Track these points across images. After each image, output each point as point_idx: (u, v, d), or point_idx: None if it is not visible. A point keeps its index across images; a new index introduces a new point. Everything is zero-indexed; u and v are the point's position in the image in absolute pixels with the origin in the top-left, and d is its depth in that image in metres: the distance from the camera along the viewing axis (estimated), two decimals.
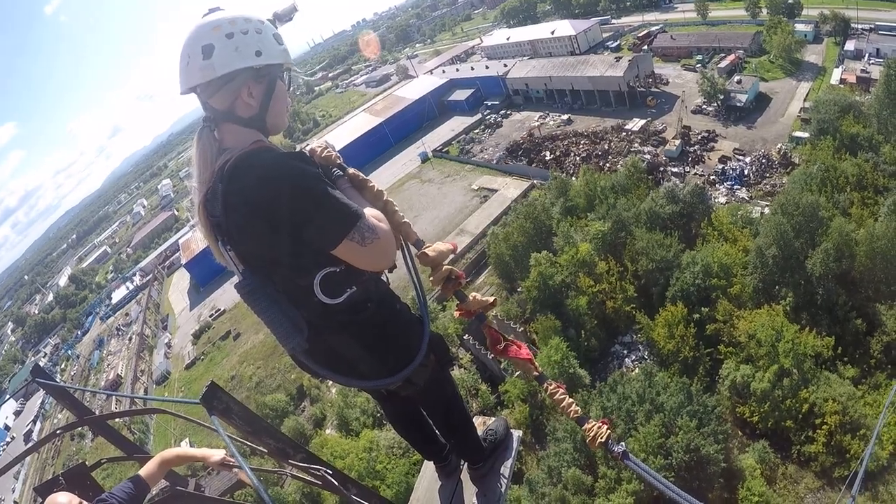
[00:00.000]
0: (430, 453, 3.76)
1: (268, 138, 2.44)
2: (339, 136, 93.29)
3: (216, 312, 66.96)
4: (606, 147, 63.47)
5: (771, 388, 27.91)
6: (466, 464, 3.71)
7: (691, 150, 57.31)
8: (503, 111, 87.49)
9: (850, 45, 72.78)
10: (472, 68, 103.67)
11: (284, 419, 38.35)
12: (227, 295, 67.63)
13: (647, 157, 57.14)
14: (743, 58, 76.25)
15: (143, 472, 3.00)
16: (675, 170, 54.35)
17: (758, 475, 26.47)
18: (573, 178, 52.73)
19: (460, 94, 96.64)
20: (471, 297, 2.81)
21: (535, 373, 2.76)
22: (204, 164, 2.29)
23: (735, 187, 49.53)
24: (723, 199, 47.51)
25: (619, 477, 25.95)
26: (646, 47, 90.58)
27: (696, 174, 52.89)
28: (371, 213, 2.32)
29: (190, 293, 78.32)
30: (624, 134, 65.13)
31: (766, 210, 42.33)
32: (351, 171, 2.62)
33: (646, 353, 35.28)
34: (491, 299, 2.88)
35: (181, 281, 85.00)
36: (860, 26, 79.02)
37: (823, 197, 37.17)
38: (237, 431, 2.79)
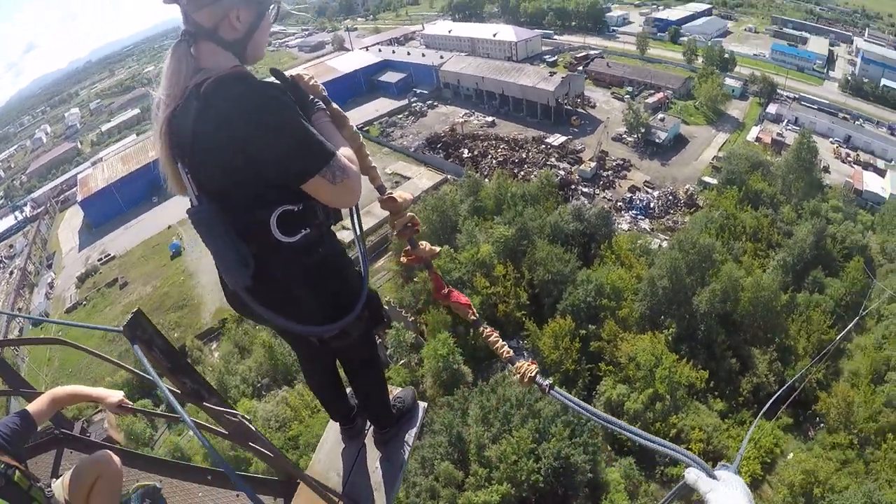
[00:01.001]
0: (339, 413, 3.74)
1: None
2: None
3: (105, 257, 63.25)
4: (524, 156, 64.63)
5: (643, 409, 29.77)
6: (372, 428, 3.75)
7: (605, 174, 59.32)
8: (431, 101, 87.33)
9: (772, 108, 78.37)
10: (409, 53, 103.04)
11: (161, 378, 36.22)
12: (120, 240, 64.81)
13: (562, 173, 58.71)
14: (671, 98, 79.81)
15: (32, 407, 2.86)
16: (585, 190, 56.00)
17: (621, 489, 27.68)
18: (486, 180, 53.18)
19: (391, 77, 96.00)
20: (421, 245, 2.86)
21: (473, 317, 2.82)
22: (176, 79, 2.16)
23: (639, 217, 51.57)
24: (625, 227, 49.29)
25: (490, 476, 26.34)
26: (581, 68, 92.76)
27: (604, 198, 54.73)
28: (344, 153, 2.31)
29: (81, 233, 73.04)
30: (543, 147, 66.56)
31: (665, 244, 44.57)
32: (333, 106, 2.56)
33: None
34: (437, 249, 2.94)
35: (74, 218, 78.75)
36: (785, 94, 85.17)
37: (720, 241, 40.39)
38: (152, 367, 2.42)
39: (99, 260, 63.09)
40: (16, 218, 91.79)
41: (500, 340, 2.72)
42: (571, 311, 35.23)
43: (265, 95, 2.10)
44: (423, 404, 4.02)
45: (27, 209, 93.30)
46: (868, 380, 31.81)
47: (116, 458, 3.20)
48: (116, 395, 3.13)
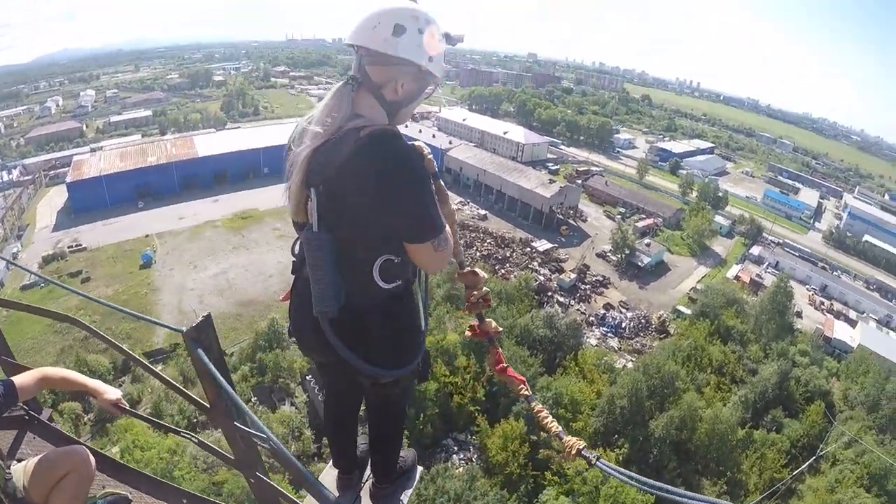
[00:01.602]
0: (345, 459, 3.75)
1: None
2: (261, 135, 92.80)
3: (76, 246, 61.64)
4: (508, 254, 65.73)
5: None
6: (372, 481, 3.71)
7: (583, 287, 60.15)
8: None
9: (755, 250, 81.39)
10: (420, 131, 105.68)
11: (188, 387, 35.57)
12: (95, 233, 63.62)
13: (542, 278, 59.53)
14: (660, 225, 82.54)
15: (19, 380, 2.75)
16: (561, 300, 56.57)
17: None
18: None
19: None
20: (488, 321, 3.15)
21: (526, 392, 2.99)
22: (335, 116, 2.40)
23: (609, 335, 52.03)
24: (594, 342, 49.54)
25: None
26: (580, 181, 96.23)
27: (578, 310, 55.27)
28: (446, 228, 2.53)
29: (60, 214, 71.80)
30: (529, 249, 67.83)
31: (630, 365, 44.79)
32: (440, 183, 2.81)
33: (475, 455, 35.44)
34: (500, 328, 3.23)
35: (57, 197, 77.17)
36: (770, 238, 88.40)
37: (685, 370, 40.80)
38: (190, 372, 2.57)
39: (69, 247, 61.40)
40: (1, 179, 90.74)
41: (550, 416, 2.86)
42: (525, 416, 34.94)
43: (415, 160, 2.37)
44: (420, 468, 4.01)
45: (16, 172, 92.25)
46: None
47: (92, 459, 3.10)
48: (115, 393, 3.06)
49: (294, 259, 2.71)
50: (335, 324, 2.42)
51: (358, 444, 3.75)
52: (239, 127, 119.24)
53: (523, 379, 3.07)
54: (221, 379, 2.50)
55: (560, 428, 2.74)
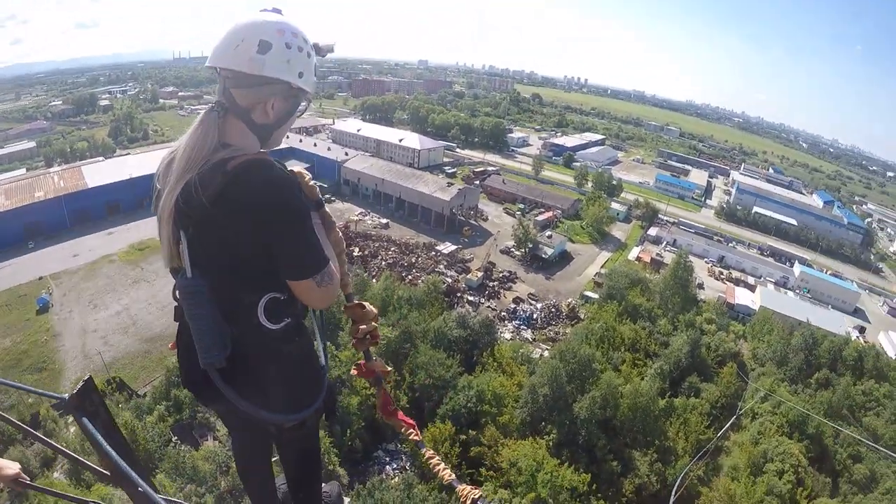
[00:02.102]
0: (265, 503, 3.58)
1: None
2: (153, 159, 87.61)
3: None
4: (414, 260, 65.04)
5: None
6: None
7: (491, 284, 60.28)
8: (329, 196, 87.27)
9: (652, 231, 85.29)
10: (315, 144, 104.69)
11: (9, 447, 32.57)
12: None
13: (449, 280, 59.13)
14: (559, 217, 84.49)
15: None
16: (471, 298, 56.44)
17: None
18: (374, 281, 53.01)
19: (294, 165, 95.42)
20: (375, 360, 2.92)
21: (416, 437, 2.88)
22: (201, 147, 2.14)
23: (522, 327, 52.22)
24: (508, 336, 49.57)
25: None
26: (478, 182, 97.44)
27: (489, 307, 55.23)
28: (331, 260, 2.37)
29: None
30: (433, 253, 67.54)
31: (546, 353, 45.08)
32: (324, 210, 2.65)
33: (408, 463, 34.98)
34: (389, 368, 3.00)
35: None
36: (666, 218, 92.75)
37: (600, 352, 41.91)
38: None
39: None
40: None
41: (442, 463, 2.79)
42: (452, 416, 34.80)
43: (290, 190, 2.16)
44: (347, 499, 4.01)
45: None
46: (747, 472, 33.25)
47: None
48: (13, 468, 2.65)
49: (175, 304, 2.40)
50: (225, 373, 2.22)
51: (278, 486, 3.55)
52: (129, 153, 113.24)
53: (413, 423, 2.95)
54: (109, 449, 2.12)
55: (453, 475, 2.72)
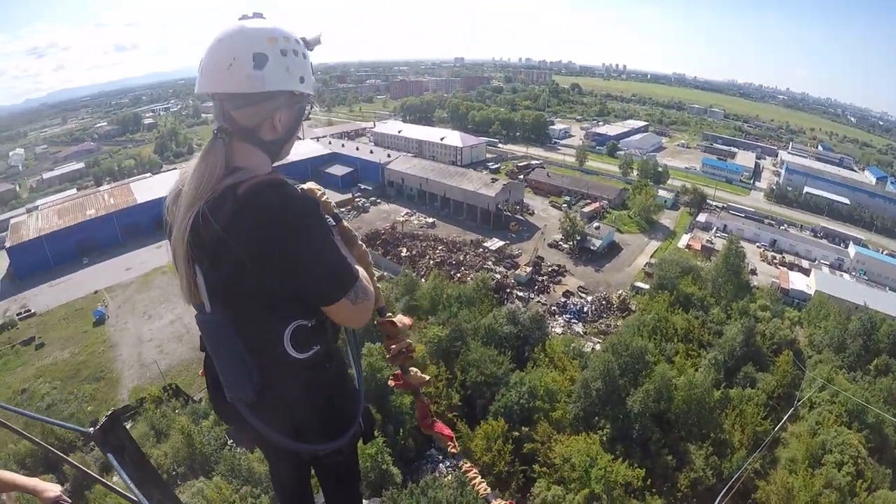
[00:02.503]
0: None
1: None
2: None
3: (25, 312, 58.92)
4: (462, 258, 65.69)
5: None
6: None
7: (540, 279, 60.52)
8: (374, 198, 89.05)
9: (701, 217, 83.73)
10: (357, 148, 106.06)
11: (70, 454, 33.96)
12: (43, 296, 61.34)
13: (498, 276, 59.60)
14: (606, 208, 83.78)
15: None
16: (520, 294, 56.75)
17: None
18: (423, 280, 53.66)
19: (339, 170, 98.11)
20: (412, 372, 2.94)
21: (454, 450, 2.89)
22: (210, 177, 2.05)
23: (573, 321, 52.31)
24: (559, 330, 49.74)
25: None
26: (522, 177, 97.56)
27: (539, 302, 55.45)
28: (361, 274, 2.30)
29: (3, 281, 68.42)
30: (481, 250, 67.99)
31: (598, 347, 45.11)
32: (344, 224, 2.60)
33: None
34: (427, 377, 3.00)
35: None
36: (714, 203, 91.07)
37: (652, 343, 41.38)
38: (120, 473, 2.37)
39: (18, 314, 58.76)
40: None
41: (479, 476, 2.84)
42: (504, 413, 34.82)
43: (307, 208, 2.07)
44: None
45: None
46: (805, 465, 32.36)
47: None
48: (54, 490, 2.74)
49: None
50: (254, 406, 2.23)
51: None
52: (175, 168, 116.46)
53: (451, 435, 2.95)
54: (131, 485, 2.30)
55: (488, 490, 2.75)
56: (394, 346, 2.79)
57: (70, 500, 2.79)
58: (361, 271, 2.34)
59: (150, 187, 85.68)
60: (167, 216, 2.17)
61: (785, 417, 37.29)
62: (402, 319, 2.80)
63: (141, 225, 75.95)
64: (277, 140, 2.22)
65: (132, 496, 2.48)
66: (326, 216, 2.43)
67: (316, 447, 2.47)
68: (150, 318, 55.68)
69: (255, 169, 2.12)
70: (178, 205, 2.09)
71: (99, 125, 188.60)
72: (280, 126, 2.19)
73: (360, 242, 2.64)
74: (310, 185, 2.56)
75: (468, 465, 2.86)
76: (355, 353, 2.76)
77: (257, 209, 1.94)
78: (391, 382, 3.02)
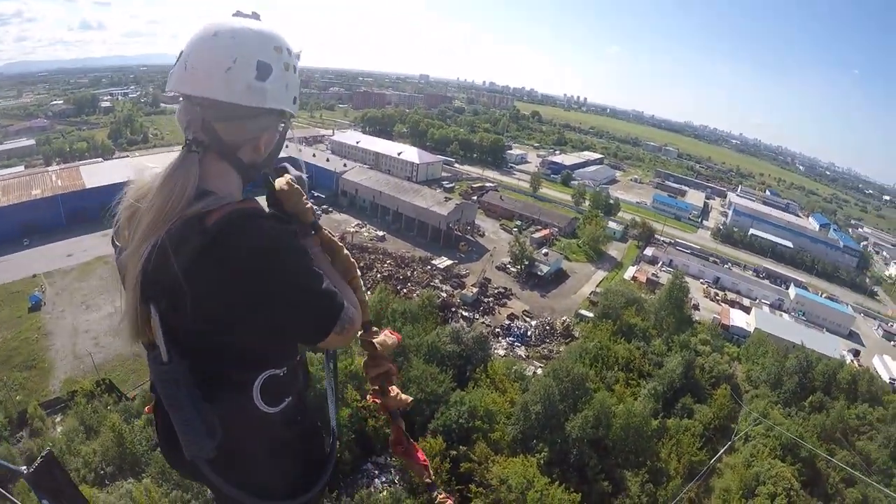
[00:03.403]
0: None
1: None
2: (152, 162, 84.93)
3: None
4: (409, 274, 65.10)
5: None
6: None
7: (486, 300, 60.33)
8: (326, 207, 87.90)
9: (648, 251, 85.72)
10: (314, 155, 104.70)
11: None
12: None
13: (444, 295, 59.10)
14: (556, 235, 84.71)
15: None
16: (465, 314, 56.36)
17: None
18: (369, 293, 52.96)
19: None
20: (392, 393, 2.59)
21: (428, 479, 2.67)
22: (177, 201, 1.70)
23: (516, 344, 52.26)
24: (502, 352, 49.60)
25: None
26: (475, 198, 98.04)
27: (483, 323, 55.17)
28: (346, 297, 1.99)
29: None
30: (429, 267, 67.57)
31: (540, 371, 45.15)
32: (324, 232, 2.22)
33: (397, 477, 34.72)
34: (409, 399, 2.67)
35: None
36: (662, 238, 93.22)
37: (593, 371, 42.08)
38: None
39: None
40: None
41: None
42: (443, 432, 34.62)
43: (285, 239, 1.74)
44: None
45: None
46: (739, 495, 33.45)
47: None
48: None
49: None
50: (214, 463, 1.87)
51: None
52: (128, 155, 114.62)
53: (426, 464, 2.70)
54: None
55: None
56: (375, 369, 2.47)
57: None
58: (348, 293, 2.07)
59: (100, 172, 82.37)
60: (116, 239, 1.90)
61: (722, 451, 38.17)
62: (384, 342, 2.39)
63: (87, 211, 72.77)
64: (256, 163, 1.97)
65: None
66: (304, 224, 2.15)
67: None
68: (87, 308, 53.21)
69: (227, 194, 1.81)
70: (132, 227, 1.77)
71: (55, 102, 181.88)
72: (263, 148, 1.95)
73: (344, 252, 2.25)
74: (287, 178, 2.17)
75: (444, 495, 2.62)
76: (332, 384, 2.58)
77: (229, 249, 1.62)
78: (369, 398, 2.67)
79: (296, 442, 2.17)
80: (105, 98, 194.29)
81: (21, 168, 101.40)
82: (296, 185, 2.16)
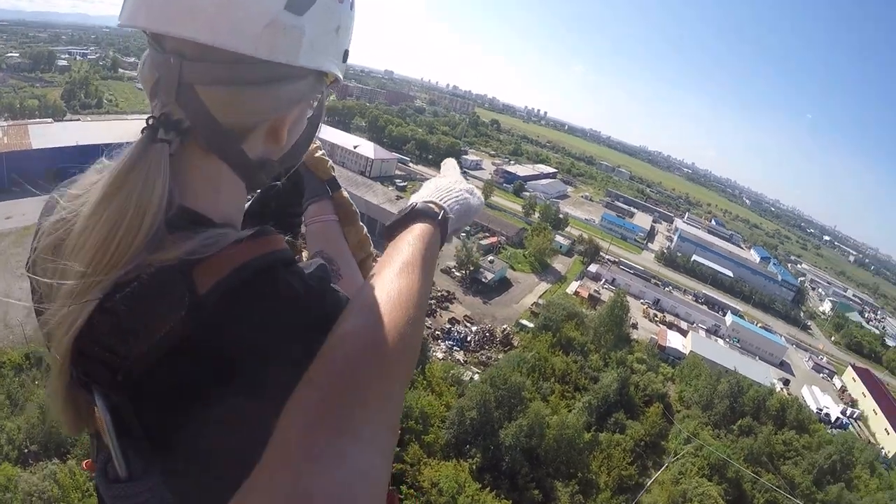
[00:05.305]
0: None
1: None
2: (105, 129, 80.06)
3: None
4: None
5: None
6: None
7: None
8: None
9: (593, 268, 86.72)
10: None
11: None
12: None
13: None
14: (503, 244, 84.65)
15: None
16: None
17: None
18: None
19: None
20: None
21: None
22: (129, 234, 0.86)
23: (455, 348, 52.02)
24: (440, 355, 49.26)
25: None
26: None
27: None
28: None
29: None
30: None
31: (477, 377, 44.94)
32: (341, 194, 1.67)
33: None
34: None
35: None
36: (607, 257, 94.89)
37: (530, 381, 42.15)
38: None
39: None
40: None
41: None
42: None
43: (321, 299, 0.96)
44: None
45: None
46: None
47: None
48: None
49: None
50: None
51: None
52: (80, 119, 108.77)
53: None
54: None
55: None
56: None
57: None
58: (356, 277, 1.53)
59: (49, 134, 77.73)
60: (31, 281, 0.99)
61: (659, 472, 39.15)
62: None
63: (31, 172, 69.39)
64: (271, 160, 1.11)
65: None
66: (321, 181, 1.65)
67: None
68: (23, 276, 50.27)
69: (224, 219, 1.01)
70: (57, 261, 0.91)
71: (10, 55, 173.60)
72: (287, 135, 1.09)
73: (359, 223, 1.69)
74: (318, 144, 1.62)
75: None
76: None
77: (251, 323, 0.87)
78: None
79: None
80: (63, 56, 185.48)
81: None
82: (317, 143, 1.59)
